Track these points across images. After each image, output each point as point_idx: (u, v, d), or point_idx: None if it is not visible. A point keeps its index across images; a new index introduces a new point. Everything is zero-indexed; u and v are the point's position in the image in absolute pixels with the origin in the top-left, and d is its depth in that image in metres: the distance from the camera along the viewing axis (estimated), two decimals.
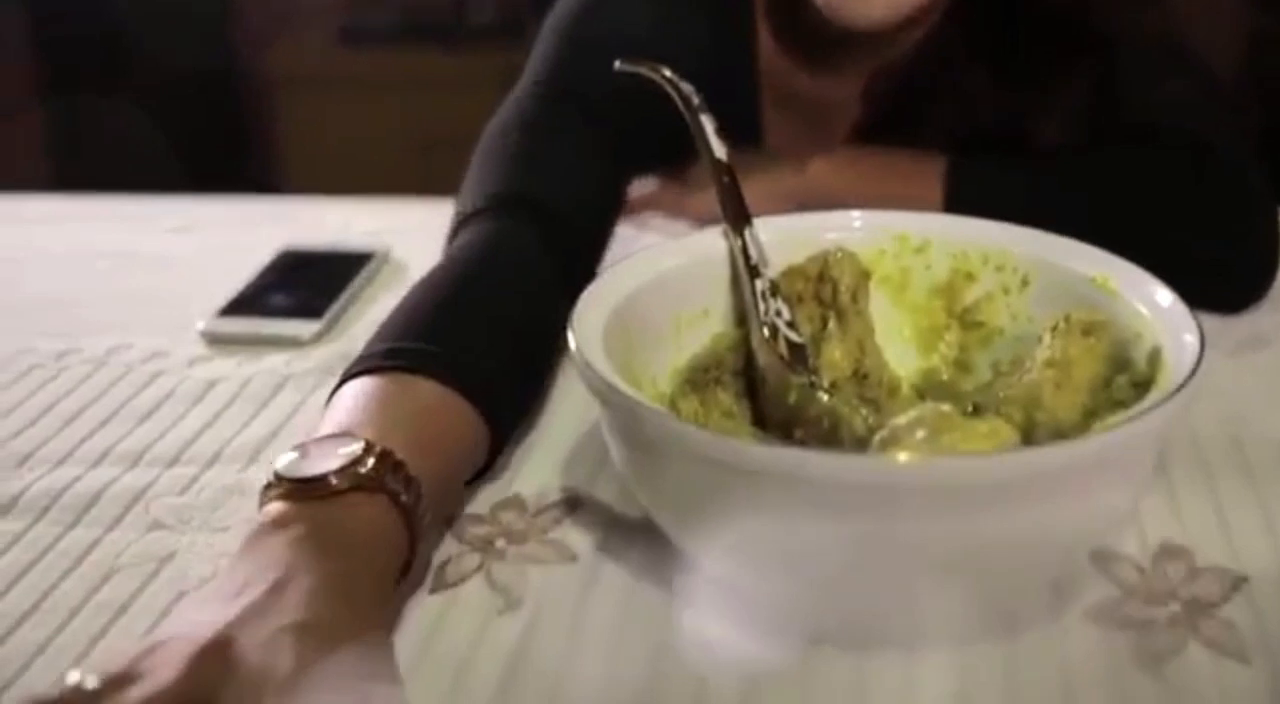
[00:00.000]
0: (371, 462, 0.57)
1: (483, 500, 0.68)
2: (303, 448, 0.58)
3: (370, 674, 0.50)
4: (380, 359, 0.66)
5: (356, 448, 0.57)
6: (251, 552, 0.54)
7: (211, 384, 0.83)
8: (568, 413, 0.76)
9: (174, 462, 0.73)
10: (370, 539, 0.56)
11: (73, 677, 0.47)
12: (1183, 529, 0.65)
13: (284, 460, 0.57)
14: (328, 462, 0.57)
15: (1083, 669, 0.56)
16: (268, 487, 0.57)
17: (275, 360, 0.86)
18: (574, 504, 0.68)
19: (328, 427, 0.61)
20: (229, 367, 0.85)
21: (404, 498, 0.57)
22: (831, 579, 0.54)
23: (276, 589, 0.51)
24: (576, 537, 0.66)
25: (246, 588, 0.51)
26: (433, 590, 0.61)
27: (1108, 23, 0.87)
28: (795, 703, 0.54)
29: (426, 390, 0.65)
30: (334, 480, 0.56)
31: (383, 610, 0.56)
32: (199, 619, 0.50)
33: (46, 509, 0.69)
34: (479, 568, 0.63)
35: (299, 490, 0.56)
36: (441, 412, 0.64)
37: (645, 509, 0.60)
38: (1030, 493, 0.51)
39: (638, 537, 0.64)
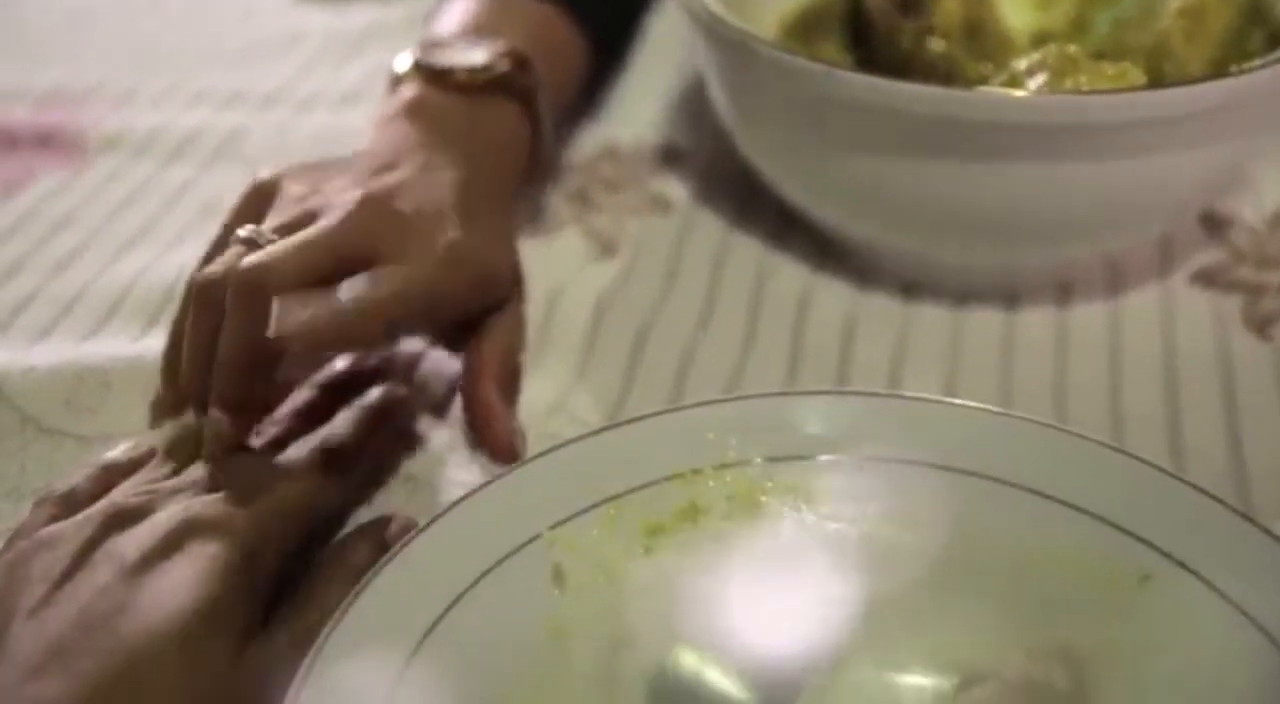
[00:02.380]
0: (509, 63, 0.55)
1: (579, 151, 0.67)
2: (434, 43, 0.57)
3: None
4: None
5: (497, 47, 0.56)
6: (390, 134, 0.52)
7: (301, 33, 0.81)
8: (665, 65, 0.74)
9: (269, 103, 0.73)
10: (504, 137, 0.55)
11: (244, 231, 0.46)
12: None
13: (411, 55, 0.56)
14: (469, 55, 0.55)
15: (1187, 330, 0.55)
16: (399, 78, 0.56)
17: (364, 13, 0.84)
18: (671, 155, 0.67)
19: (441, 30, 0.60)
20: (317, 17, 0.84)
21: (536, 102, 0.56)
22: (933, 225, 0.53)
23: (427, 169, 0.50)
24: (672, 187, 0.65)
25: (392, 168, 0.50)
26: (529, 236, 0.61)
27: None
28: (890, 351, 0.54)
29: (536, 9, 0.63)
30: (477, 76, 0.55)
31: (513, 207, 0.56)
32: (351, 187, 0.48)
33: (145, 147, 0.69)
34: (575, 217, 0.63)
35: (438, 80, 0.55)
36: (549, 28, 0.63)
37: (744, 157, 0.59)
38: (1151, 137, 0.49)
39: (734, 187, 0.63)
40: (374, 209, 0.46)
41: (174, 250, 0.61)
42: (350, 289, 0.43)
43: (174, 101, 0.74)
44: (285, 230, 0.46)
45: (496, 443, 0.48)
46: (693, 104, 0.70)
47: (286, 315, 0.41)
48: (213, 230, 0.61)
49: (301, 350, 0.42)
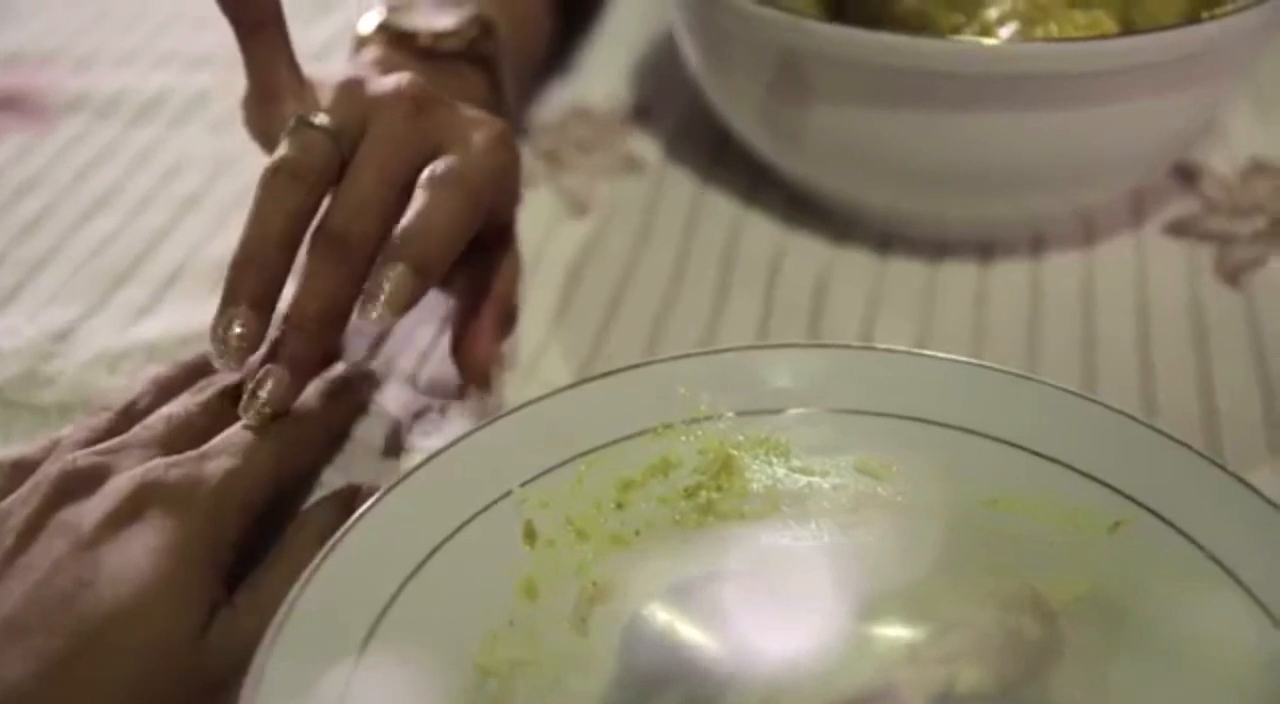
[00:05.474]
0: (475, 28, 0.55)
1: (550, 109, 0.67)
2: (400, 5, 0.56)
3: None
4: None
5: (463, 11, 0.55)
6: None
7: None
8: (636, 22, 0.74)
9: (236, 65, 0.71)
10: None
11: (311, 116, 0.43)
12: (1274, 146, 0.63)
13: (378, 15, 0.55)
14: (436, 20, 0.54)
15: (1160, 279, 0.55)
16: (363, 40, 0.54)
17: None
18: (642, 113, 0.67)
19: None
20: None
21: (498, 69, 0.55)
22: (906, 176, 0.52)
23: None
24: (644, 146, 0.64)
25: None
26: None
27: None
28: (865, 304, 0.54)
29: None
30: (441, 41, 0.54)
31: None
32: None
33: (109, 109, 0.69)
34: (547, 177, 0.62)
35: (402, 42, 0.54)
36: None
37: (715, 114, 0.59)
38: (1122, 86, 0.49)
39: (706, 146, 0.63)
40: (424, 104, 0.44)
41: (141, 215, 0.60)
42: (433, 180, 0.42)
43: (138, 63, 0.73)
44: (340, 119, 0.43)
45: (475, 365, 0.47)
46: (664, 62, 0.69)
47: (378, 286, 0.40)
48: (180, 192, 0.61)
49: (402, 313, 0.41)
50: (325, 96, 0.44)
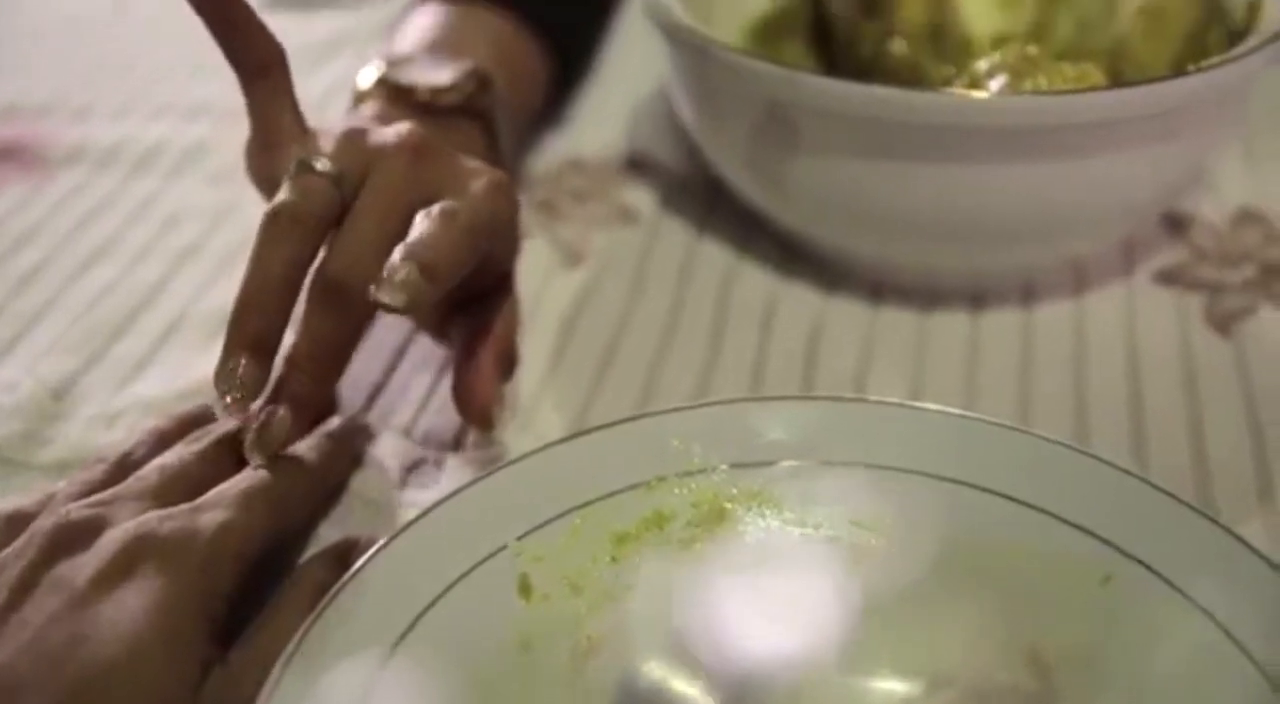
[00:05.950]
0: (472, 83, 0.55)
1: (545, 160, 0.67)
2: (397, 59, 0.56)
3: None
4: None
5: (461, 66, 0.56)
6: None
7: None
8: (631, 73, 0.74)
9: (233, 116, 0.72)
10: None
11: (313, 160, 0.44)
12: (1263, 195, 0.63)
13: (376, 70, 0.55)
14: (434, 75, 0.55)
15: (1150, 328, 0.55)
16: (361, 94, 0.55)
17: (331, 20, 0.84)
18: (637, 164, 0.67)
19: (404, 46, 0.59)
20: (285, 24, 0.83)
21: (494, 123, 0.56)
22: (896, 227, 0.53)
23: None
24: (639, 196, 0.65)
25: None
26: None
27: None
28: (858, 353, 0.54)
29: (499, 24, 0.63)
30: (439, 96, 0.54)
31: None
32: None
33: (107, 160, 0.69)
34: (542, 227, 0.62)
35: (401, 97, 0.54)
36: (515, 45, 0.63)
37: (709, 165, 0.59)
38: (1112, 137, 0.49)
39: (700, 196, 0.63)
40: (424, 153, 0.45)
41: (139, 266, 0.61)
42: (429, 213, 0.42)
43: (136, 114, 0.74)
44: (342, 166, 0.44)
45: (476, 406, 0.47)
46: (659, 113, 0.70)
47: (390, 277, 0.40)
48: (177, 244, 0.62)
49: (412, 304, 0.40)
50: (327, 145, 0.45)
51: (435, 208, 0.43)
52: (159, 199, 0.66)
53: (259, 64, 0.46)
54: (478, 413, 0.47)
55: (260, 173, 0.48)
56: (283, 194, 0.42)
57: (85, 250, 0.62)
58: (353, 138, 0.45)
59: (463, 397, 0.47)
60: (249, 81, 0.47)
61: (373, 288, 0.40)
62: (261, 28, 0.46)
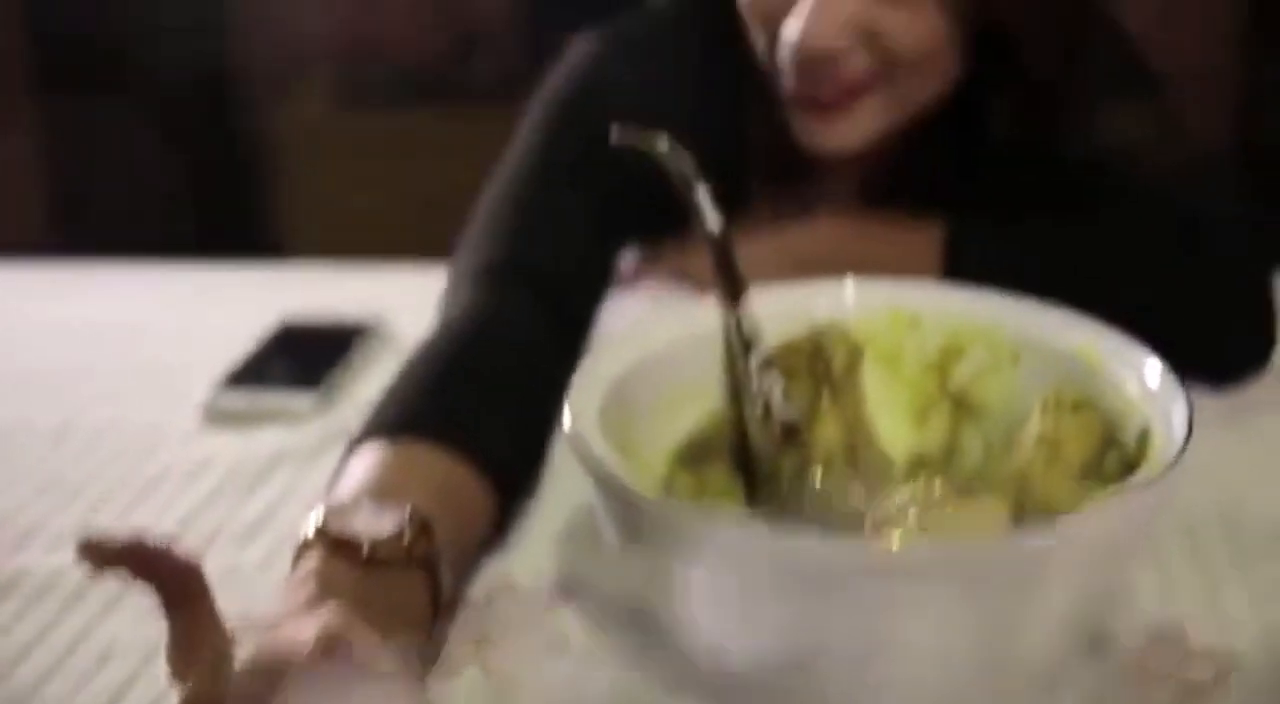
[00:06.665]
0: (414, 533, 0.57)
1: (478, 586, 0.68)
2: (339, 507, 0.58)
3: None
4: (392, 429, 0.66)
5: (401, 513, 0.57)
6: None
7: (208, 461, 0.83)
8: (561, 489, 0.76)
9: (169, 542, 0.73)
10: (406, 615, 0.56)
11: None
12: (1179, 613, 0.64)
13: (319, 516, 0.57)
14: (374, 524, 0.57)
15: None
16: (305, 545, 0.57)
17: (271, 436, 0.86)
18: (568, 588, 0.68)
19: (346, 491, 0.61)
20: (225, 442, 0.85)
21: (437, 571, 0.58)
22: (819, 665, 0.54)
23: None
24: (570, 623, 0.65)
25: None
26: (431, 678, 0.61)
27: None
28: None
29: (440, 461, 0.65)
30: (380, 549, 0.56)
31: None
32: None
33: (45, 591, 0.69)
34: (474, 657, 0.62)
35: (342, 550, 0.56)
36: (456, 482, 0.65)
37: (634, 596, 0.60)
38: (1016, 576, 0.51)
39: (632, 621, 0.64)
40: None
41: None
42: None
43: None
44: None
45: None
46: (589, 534, 0.71)
47: None
48: (112, 679, 0.61)
49: None
50: (246, 643, 0.47)
51: None
52: (92, 633, 0.66)
53: (182, 596, 0.49)
54: None
55: (176, 668, 0.50)
56: (191, 687, 0.46)
57: (18, 686, 0.62)
58: (258, 670, 0.47)
59: None
60: (170, 606, 0.49)
61: None
62: (179, 562, 0.49)
